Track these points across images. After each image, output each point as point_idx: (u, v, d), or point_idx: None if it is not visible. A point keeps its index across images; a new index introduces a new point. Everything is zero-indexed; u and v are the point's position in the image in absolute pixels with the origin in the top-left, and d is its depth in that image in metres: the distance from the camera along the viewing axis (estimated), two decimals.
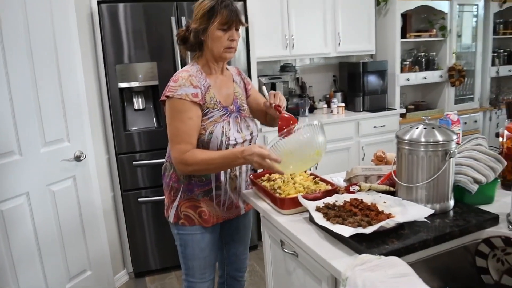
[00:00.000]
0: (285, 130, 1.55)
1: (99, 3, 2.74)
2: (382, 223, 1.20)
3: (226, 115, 1.71)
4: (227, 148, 1.68)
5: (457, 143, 1.64)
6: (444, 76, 4.54)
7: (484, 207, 1.42)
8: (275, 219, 1.49)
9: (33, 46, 2.19)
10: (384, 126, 4.00)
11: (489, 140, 4.90)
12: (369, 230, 1.17)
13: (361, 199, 1.40)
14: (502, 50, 5.10)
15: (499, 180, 1.56)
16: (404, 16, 4.29)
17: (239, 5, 3.02)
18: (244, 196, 1.81)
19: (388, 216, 1.26)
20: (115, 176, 2.96)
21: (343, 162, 3.80)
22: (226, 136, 1.67)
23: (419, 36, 4.44)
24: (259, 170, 1.92)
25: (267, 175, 1.79)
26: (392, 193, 1.51)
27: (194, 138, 1.63)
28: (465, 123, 4.67)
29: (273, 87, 3.69)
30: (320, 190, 1.58)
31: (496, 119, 4.96)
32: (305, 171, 1.80)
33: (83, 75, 2.58)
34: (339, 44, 3.95)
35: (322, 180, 1.71)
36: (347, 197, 1.46)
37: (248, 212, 1.97)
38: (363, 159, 3.92)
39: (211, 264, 1.86)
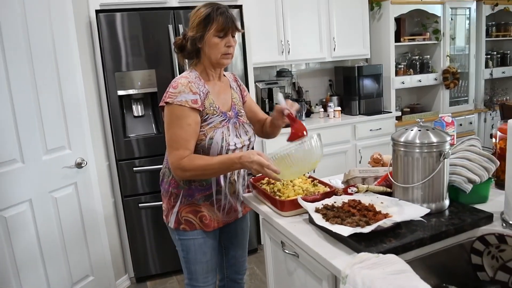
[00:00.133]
0: (298, 141, 1.64)
1: (97, 12, 2.78)
2: (380, 223, 1.24)
3: (225, 120, 1.73)
4: (226, 153, 1.70)
5: (452, 145, 1.69)
6: (438, 78, 4.60)
7: (479, 206, 1.47)
8: (275, 221, 1.53)
9: (34, 55, 2.23)
10: (380, 129, 4.04)
11: (484, 141, 4.95)
12: (367, 229, 1.21)
13: (359, 200, 1.44)
14: (495, 52, 5.17)
15: (493, 179, 1.60)
16: (398, 20, 4.35)
17: (235, 11, 3.06)
18: (245, 200, 1.85)
19: (386, 216, 1.30)
20: (116, 182, 2.99)
21: (341, 165, 3.84)
22: (226, 141, 1.70)
23: (413, 39, 4.51)
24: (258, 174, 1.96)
25: (266, 178, 1.82)
26: (389, 194, 1.55)
27: (192, 144, 1.64)
28: (460, 124, 4.73)
29: (270, 92, 3.73)
30: (318, 192, 1.62)
31: (491, 120, 5.01)
32: (303, 175, 1.84)
33: (83, 83, 2.62)
34: (334, 49, 4.00)
35: (321, 182, 1.75)
36: (345, 198, 1.49)
37: (245, 215, 1.99)
38: (360, 162, 3.95)
39: (213, 267, 1.88)
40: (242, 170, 1.85)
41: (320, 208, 1.43)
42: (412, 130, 1.45)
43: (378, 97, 4.21)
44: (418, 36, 4.54)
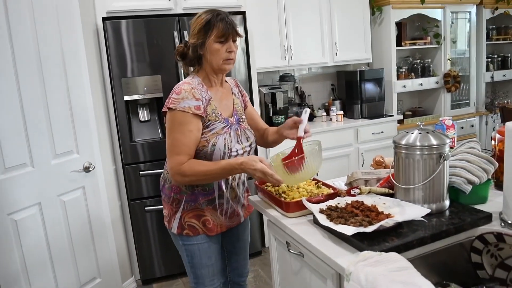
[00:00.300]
0: (294, 159, 1.64)
1: (104, 19, 2.84)
2: (382, 223, 1.28)
3: (227, 127, 1.74)
4: (228, 159, 1.72)
5: (452, 147, 1.73)
6: (439, 82, 4.64)
7: (479, 207, 1.51)
8: (281, 222, 1.57)
9: (43, 63, 2.29)
10: (382, 132, 4.09)
11: (485, 143, 4.97)
12: (370, 229, 1.25)
13: (362, 201, 1.48)
14: (496, 56, 5.20)
15: (492, 181, 1.64)
16: (399, 24, 4.40)
17: (239, 18, 3.13)
18: (251, 202, 1.89)
19: (388, 216, 1.34)
20: (122, 186, 3.04)
21: (344, 168, 3.88)
22: (228, 147, 1.71)
23: (414, 43, 4.55)
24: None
25: None
26: (391, 195, 1.59)
27: (193, 150, 1.65)
28: (462, 127, 4.76)
29: (273, 96, 3.78)
30: (322, 193, 1.66)
31: (492, 123, 5.04)
32: None
33: (90, 89, 2.68)
34: (336, 53, 4.06)
35: (324, 184, 1.79)
36: (349, 199, 1.54)
37: (246, 218, 2.00)
38: (362, 165, 3.99)
39: (219, 270, 1.89)
40: (242, 176, 1.87)
41: (324, 209, 1.47)
42: (412, 133, 1.49)
43: (380, 100, 4.25)
44: (419, 40, 4.58)
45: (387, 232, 1.31)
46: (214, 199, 1.78)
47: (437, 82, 4.63)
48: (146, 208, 3.06)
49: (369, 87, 4.18)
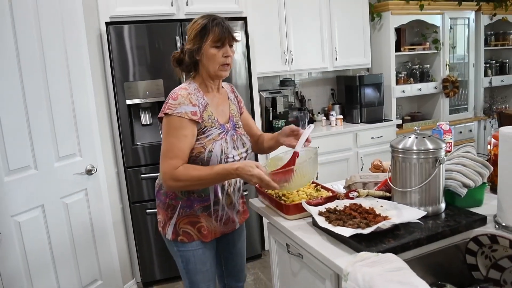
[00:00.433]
0: (280, 171, 1.62)
1: (107, 24, 2.89)
2: (379, 224, 1.32)
3: (224, 133, 1.72)
4: None
5: (448, 152, 1.77)
6: (438, 87, 4.68)
7: (474, 210, 1.54)
8: (281, 224, 1.61)
9: (47, 67, 2.32)
10: (381, 136, 4.12)
11: (484, 148, 4.99)
12: (367, 230, 1.29)
13: (360, 204, 1.52)
14: (494, 61, 5.25)
15: (487, 184, 1.68)
16: (398, 30, 4.44)
17: (240, 23, 3.17)
18: (251, 205, 1.92)
19: (385, 218, 1.38)
20: (124, 188, 3.08)
21: (343, 172, 3.91)
22: (225, 154, 1.69)
23: (413, 49, 4.60)
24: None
25: None
26: (388, 198, 1.63)
27: (187, 156, 1.63)
28: (460, 132, 4.80)
29: (273, 101, 3.82)
30: (321, 196, 1.70)
31: (490, 128, 5.08)
32: None
33: (93, 93, 2.71)
34: (336, 58, 4.10)
35: (323, 187, 1.83)
36: (347, 202, 1.58)
37: (242, 224, 1.99)
38: (362, 169, 4.02)
39: (214, 275, 1.89)
40: (238, 182, 1.86)
41: (323, 212, 1.51)
42: (409, 137, 1.53)
43: (379, 105, 4.29)
44: (418, 45, 4.63)
45: (384, 234, 1.35)
46: (210, 206, 1.77)
47: (435, 87, 4.67)
48: (147, 211, 3.09)
49: (369, 92, 4.22)
